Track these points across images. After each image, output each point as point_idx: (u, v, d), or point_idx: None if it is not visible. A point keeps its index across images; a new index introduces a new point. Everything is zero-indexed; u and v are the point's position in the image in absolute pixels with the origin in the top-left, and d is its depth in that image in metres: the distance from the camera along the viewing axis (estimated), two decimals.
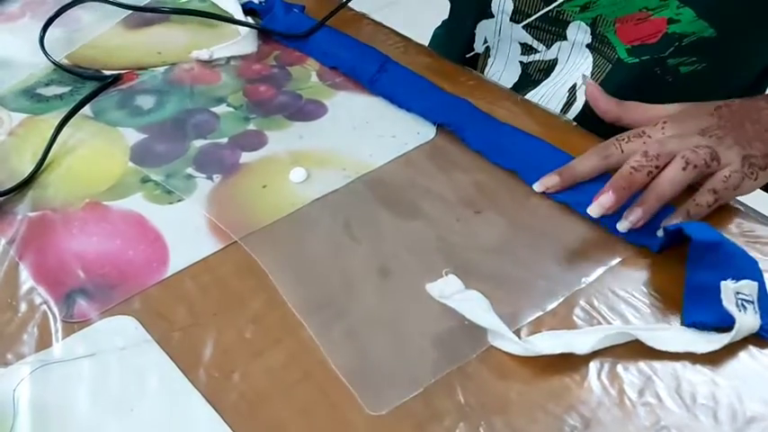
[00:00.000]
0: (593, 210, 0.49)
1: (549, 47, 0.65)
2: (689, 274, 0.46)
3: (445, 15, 0.81)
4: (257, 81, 0.65)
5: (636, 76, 0.61)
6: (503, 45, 0.69)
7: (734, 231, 0.49)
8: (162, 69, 0.66)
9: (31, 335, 0.44)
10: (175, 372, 0.42)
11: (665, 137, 0.51)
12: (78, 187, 0.54)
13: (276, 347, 0.43)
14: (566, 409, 0.40)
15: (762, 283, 0.44)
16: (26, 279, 0.47)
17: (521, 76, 0.69)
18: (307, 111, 0.61)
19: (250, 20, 0.71)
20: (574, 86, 0.65)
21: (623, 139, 0.52)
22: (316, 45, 0.67)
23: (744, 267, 0.45)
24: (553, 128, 0.58)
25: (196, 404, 0.41)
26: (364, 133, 0.59)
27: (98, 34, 0.70)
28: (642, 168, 0.49)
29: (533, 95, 0.67)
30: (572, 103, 0.65)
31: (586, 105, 0.63)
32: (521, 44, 0.67)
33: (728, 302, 0.42)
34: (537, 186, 0.52)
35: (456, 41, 0.73)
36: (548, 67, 0.67)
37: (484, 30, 0.69)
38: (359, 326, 0.44)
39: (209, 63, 0.67)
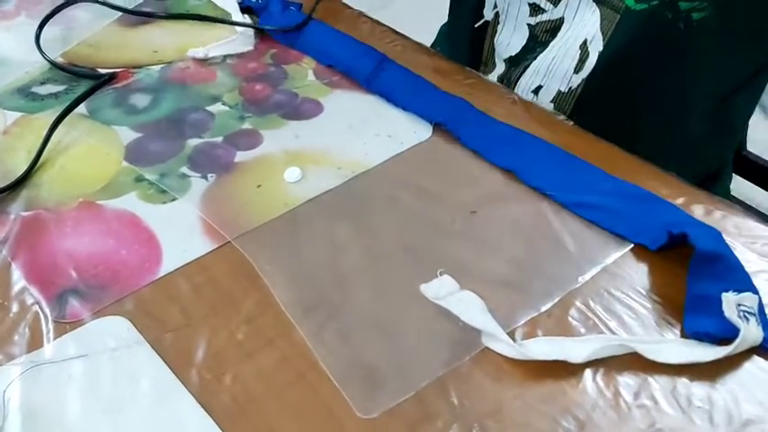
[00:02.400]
0: None
1: (555, 5, 0.65)
2: (690, 284, 0.45)
3: (443, 16, 0.81)
4: (253, 79, 0.64)
5: (646, 24, 0.60)
6: (512, 8, 0.68)
7: (732, 232, 0.49)
8: (157, 68, 0.65)
9: (22, 335, 0.44)
10: (167, 373, 0.42)
11: None
12: (72, 186, 0.54)
13: (269, 349, 0.43)
14: (560, 412, 0.40)
15: (760, 298, 0.43)
16: (18, 279, 0.47)
17: (528, 39, 0.68)
18: (303, 109, 0.61)
19: (247, 18, 0.70)
20: (585, 42, 0.64)
21: None
22: (312, 43, 0.67)
23: (745, 281, 0.44)
24: (551, 127, 0.58)
25: (187, 406, 0.40)
26: (360, 132, 0.58)
27: (94, 32, 0.70)
28: None
29: (545, 57, 0.66)
30: (585, 59, 0.64)
31: (599, 61, 0.63)
32: (529, 5, 0.67)
33: (731, 313, 0.42)
34: None
35: (464, 11, 0.72)
36: (554, 27, 0.66)
37: None
38: (352, 327, 0.44)
39: (204, 61, 0.66)
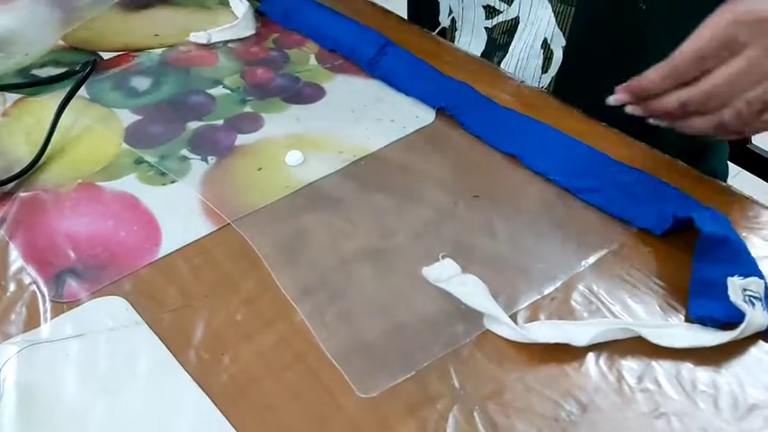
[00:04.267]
0: None
1: (509, 4, 0.64)
2: (695, 268, 0.45)
3: None
4: (255, 64, 0.64)
5: (606, 10, 0.59)
6: (467, 13, 0.68)
7: (738, 218, 0.48)
8: (158, 51, 0.65)
9: (19, 314, 0.43)
10: (165, 353, 0.41)
11: None
12: (71, 168, 0.54)
13: (267, 330, 0.43)
14: (562, 395, 0.39)
15: (766, 282, 0.43)
16: (16, 258, 0.47)
17: (487, 43, 0.68)
18: (304, 94, 0.60)
19: (247, 2, 0.70)
20: (545, 41, 0.63)
21: None
22: (315, 27, 0.66)
23: (751, 265, 0.44)
24: (554, 112, 0.57)
25: (185, 386, 0.40)
26: (362, 117, 0.58)
27: (95, 15, 0.69)
28: None
29: (509, 60, 0.66)
30: (550, 58, 0.64)
31: (566, 57, 0.63)
32: (484, 7, 0.66)
33: (736, 298, 0.41)
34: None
35: (421, 17, 0.71)
36: (510, 28, 0.66)
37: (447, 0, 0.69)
38: (352, 309, 0.44)
39: (206, 45, 0.66)
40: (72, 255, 0.47)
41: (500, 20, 0.66)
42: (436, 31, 0.71)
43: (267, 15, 0.69)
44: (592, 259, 0.46)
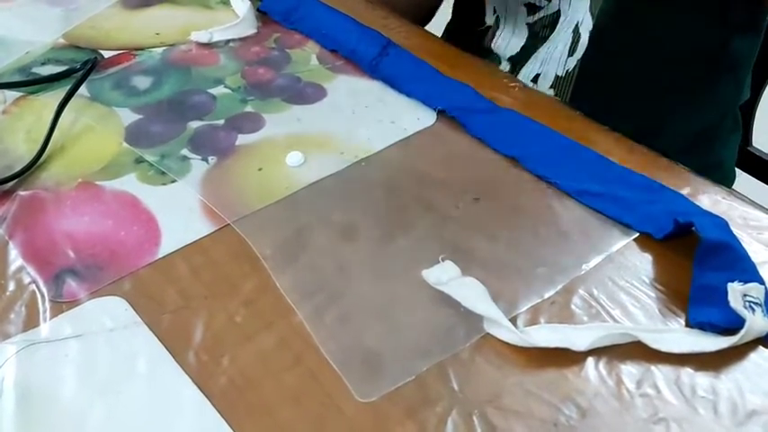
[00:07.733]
0: None
1: (550, 0, 0.65)
2: (695, 273, 0.44)
3: (448, 10, 0.81)
4: (256, 63, 0.64)
5: None
6: (510, 12, 0.69)
7: (739, 222, 0.48)
8: (159, 50, 0.65)
9: (18, 314, 0.43)
10: (164, 354, 0.41)
11: None
12: (71, 167, 0.54)
13: (267, 332, 0.42)
14: (562, 399, 0.39)
15: (767, 288, 0.43)
16: (15, 258, 0.47)
17: (528, 37, 0.69)
18: (305, 94, 0.60)
19: (249, 2, 0.70)
20: (577, 25, 0.64)
21: None
22: (316, 27, 0.66)
23: (751, 271, 0.43)
24: (556, 115, 0.57)
25: (184, 387, 0.40)
26: (363, 118, 0.58)
27: (95, 14, 0.69)
28: None
29: (548, 54, 0.66)
30: (577, 41, 0.65)
31: (591, 41, 0.64)
32: (526, 5, 0.67)
33: (736, 304, 0.41)
34: None
35: (466, 15, 0.73)
36: (552, 22, 0.66)
37: (492, 1, 0.70)
38: (352, 311, 0.43)
39: (207, 45, 0.66)
40: (71, 254, 0.47)
41: (541, 15, 0.67)
42: (481, 28, 0.73)
43: (268, 14, 0.69)
44: (592, 263, 0.46)
